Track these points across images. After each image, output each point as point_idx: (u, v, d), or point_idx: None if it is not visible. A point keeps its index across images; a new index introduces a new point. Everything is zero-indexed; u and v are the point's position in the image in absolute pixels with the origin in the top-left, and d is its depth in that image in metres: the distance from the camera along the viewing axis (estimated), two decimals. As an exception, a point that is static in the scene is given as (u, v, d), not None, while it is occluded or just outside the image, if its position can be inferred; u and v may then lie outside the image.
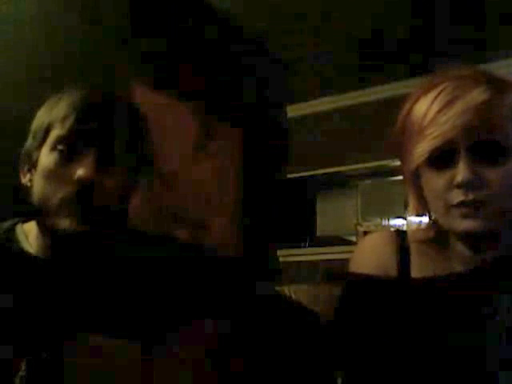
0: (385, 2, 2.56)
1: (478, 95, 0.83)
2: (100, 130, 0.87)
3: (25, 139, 0.92)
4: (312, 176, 3.54)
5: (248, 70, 2.94)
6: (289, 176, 3.57)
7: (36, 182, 0.87)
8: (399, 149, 0.93)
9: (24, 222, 0.94)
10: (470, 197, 0.82)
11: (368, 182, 3.49)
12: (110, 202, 0.86)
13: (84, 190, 0.83)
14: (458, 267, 0.90)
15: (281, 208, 3.35)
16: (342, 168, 3.44)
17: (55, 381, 0.77)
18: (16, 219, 0.94)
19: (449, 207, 0.84)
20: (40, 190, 0.86)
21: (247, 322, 0.88)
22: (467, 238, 0.87)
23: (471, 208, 0.82)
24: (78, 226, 0.83)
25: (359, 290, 0.94)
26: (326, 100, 3.56)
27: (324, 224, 3.61)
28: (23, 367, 0.76)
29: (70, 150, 0.86)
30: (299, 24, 2.77)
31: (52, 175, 0.85)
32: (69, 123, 0.86)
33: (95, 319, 0.81)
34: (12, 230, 0.92)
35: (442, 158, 0.84)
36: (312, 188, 3.67)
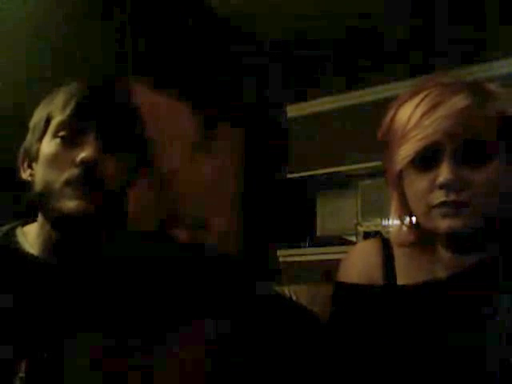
0: (385, 2, 2.56)
1: (460, 101, 0.85)
2: (100, 114, 0.87)
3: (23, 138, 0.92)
4: (312, 176, 3.54)
5: (248, 70, 2.94)
6: (289, 176, 3.57)
7: (38, 173, 0.87)
8: (383, 151, 0.94)
9: (24, 224, 0.93)
10: (452, 197, 0.83)
11: (368, 181, 3.48)
12: (114, 185, 0.86)
13: (88, 170, 0.83)
14: (442, 272, 0.90)
15: (281, 208, 3.35)
16: (342, 168, 3.43)
17: (55, 381, 0.77)
18: (16, 222, 0.94)
19: (430, 208, 0.85)
20: (43, 178, 0.86)
21: (247, 322, 0.88)
22: (449, 239, 0.88)
23: (452, 208, 0.83)
24: (85, 208, 0.83)
25: (345, 298, 0.95)
26: (325, 100, 3.55)
27: (324, 224, 3.61)
28: (23, 368, 0.76)
29: (71, 135, 0.86)
30: (299, 24, 2.77)
31: (55, 161, 0.85)
32: (69, 108, 0.87)
33: (95, 319, 0.81)
34: (12, 232, 0.92)
35: (425, 160, 0.86)
36: (312, 188, 3.66)
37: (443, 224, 0.84)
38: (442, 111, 0.85)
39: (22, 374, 0.76)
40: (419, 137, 0.85)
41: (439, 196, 0.84)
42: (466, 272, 0.87)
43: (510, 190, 0.86)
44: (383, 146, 0.95)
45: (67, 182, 0.83)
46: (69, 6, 2.06)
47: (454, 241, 0.88)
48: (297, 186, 3.58)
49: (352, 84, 3.36)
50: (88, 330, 0.80)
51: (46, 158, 0.86)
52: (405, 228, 0.95)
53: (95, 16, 2.17)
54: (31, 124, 0.92)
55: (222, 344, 0.85)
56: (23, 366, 0.76)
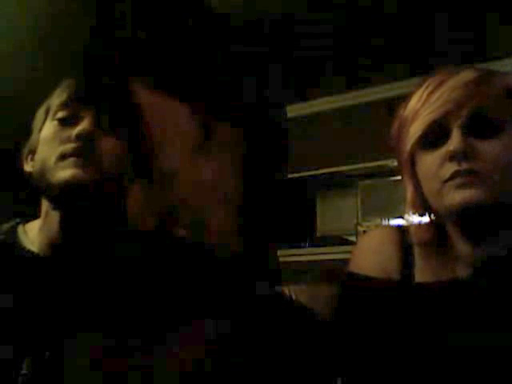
0: (385, 2, 2.56)
1: (467, 74, 0.85)
2: (98, 95, 0.88)
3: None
4: (312, 176, 3.54)
5: (248, 70, 2.94)
6: (289, 176, 3.57)
7: (37, 156, 0.88)
8: (396, 145, 0.92)
9: (25, 222, 0.94)
10: (464, 166, 0.80)
11: (368, 182, 3.48)
12: (111, 162, 0.86)
13: (83, 143, 0.83)
14: (463, 270, 0.86)
15: (281, 208, 3.35)
16: (342, 168, 3.43)
17: (56, 380, 0.77)
18: (17, 220, 0.94)
19: (443, 183, 0.82)
20: (40, 158, 0.86)
21: (247, 322, 0.88)
22: (465, 218, 0.83)
23: (466, 177, 0.80)
24: (80, 177, 0.82)
25: (357, 292, 0.91)
26: (325, 100, 3.55)
27: (324, 224, 3.61)
28: (26, 366, 0.76)
29: (69, 115, 0.86)
30: (299, 23, 2.77)
31: (52, 140, 0.86)
32: (68, 90, 0.88)
33: (95, 319, 0.81)
34: (13, 230, 0.92)
35: (434, 138, 0.84)
36: (312, 188, 3.66)
37: (457, 197, 0.80)
38: (448, 85, 0.84)
39: (24, 372, 0.76)
40: (428, 111, 0.84)
41: (451, 167, 0.81)
42: (488, 268, 0.84)
43: None
44: (394, 149, 0.93)
45: (62, 156, 0.83)
46: (68, 2, 2.06)
47: (470, 220, 0.83)
48: (297, 186, 3.57)
49: (352, 84, 3.35)
50: (88, 330, 0.80)
51: (43, 140, 0.87)
52: (421, 225, 0.90)
53: (94, 13, 2.17)
54: (34, 122, 0.92)
55: (222, 344, 0.85)
56: (26, 364, 0.76)
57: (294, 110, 3.66)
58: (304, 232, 3.51)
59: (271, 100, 3.30)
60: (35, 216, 0.92)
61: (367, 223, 3.34)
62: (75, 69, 0.97)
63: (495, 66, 2.81)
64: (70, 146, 0.83)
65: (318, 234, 3.58)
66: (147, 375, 0.79)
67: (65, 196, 0.84)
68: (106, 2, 2.19)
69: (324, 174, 3.50)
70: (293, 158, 3.58)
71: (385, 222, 3.24)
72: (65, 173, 0.82)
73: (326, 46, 2.91)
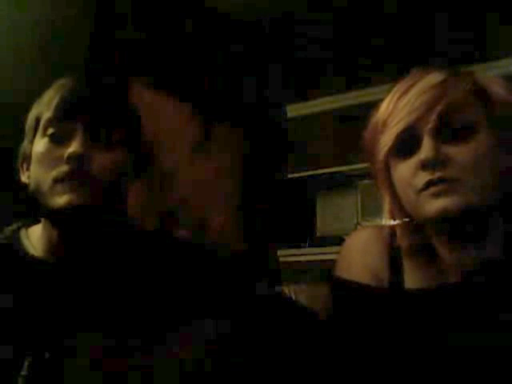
0: (385, 2, 2.56)
1: (433, 78, 0.84)
2: (88, 107, 0.86)
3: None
4: (312, 176, 3.54)
5: (248, 69, 2.94)
6: (289, 176, 3.57)
7: (32, 173, 0.87)
8: (369, 153, 0.90)
9: (28, 226, 0.94)
10: (437, 174, 0.78)
11: (368, 182, 3.48)
12: (106, 177, 0.85)
13: (76, 166, 0.82)
14: (448, 277, 0.85)
15: (281, 208, 3.35)
16: (342, 168, 3.43)
17: (56, 380, 0.77)
18: (20, 223, 0.94)
19: (418, 193, 0.80)
20: (34, 178, 0.86)
21: (247, 322, 0.88)
22: (445, 225, 0.81)
23: (440, 185, 0.78)
24: (75, 201, 0.81)
25: (346, 296, 0.90)
26: (325, 100, 3.55)
27: (324, 224, 3.61)
28: (25, 367, 0.76)
29: (59, 132, 0.85)
30: (299, 23, 2.77)
31: (44, 160, 0.85)
32: (54, 103, 0.86)
33: (95, 319, 0.81)
34: (16, 234, 0.92)
35: (406, 146, 0.82)
36: (312, 188, 3.66)
37: (433, 206, 0.78)
38: (416, 89, 0.83)
39: (24, 373, 0.76)
40: (396, 120, 0.82)
41: (424, 176, 0.79)
42: (473, 276, 0.82)
43: (499, 167, 0.80)
44: (368, 155, 0.91)
45: (56, 180, 0.82)
46: (68, 6, 2.06)
47: (449, 228, 0.82)
48: (297, 186, 3.58)
49: (352, 84, 3.36)
50: (88, 330, 0.80)
51: (36, 158, 0.86)
52: (404, 232, 0.89)
53: (93, 14, 2.17)
54: (26, 127, 0.91)
55: (222, 344, 0.85)
56: (25, 364, 0.76)
57: (293, 110, 3.66)
58: (304, 232, 3.51)
59: (271, 100, 3.30)
60: (35, 218, 0.92)
61: (367, 223, 3.34)
62: (75, 70, 0.96)
63: (495, 66, 2.82)
64: (62, 170, 0.82)
65: (318, 234, 3.59)
66: (147, 375, 0.79)
67: (62, 220, 0.85)
68: (106, 2, 2.19)
69: (324, 173, 3.50)
70: (293, 158, 3.58)
71: (385, 222, 3.24)
72: (61, 199, 0.81)
73: (326, 46, 2.91)
